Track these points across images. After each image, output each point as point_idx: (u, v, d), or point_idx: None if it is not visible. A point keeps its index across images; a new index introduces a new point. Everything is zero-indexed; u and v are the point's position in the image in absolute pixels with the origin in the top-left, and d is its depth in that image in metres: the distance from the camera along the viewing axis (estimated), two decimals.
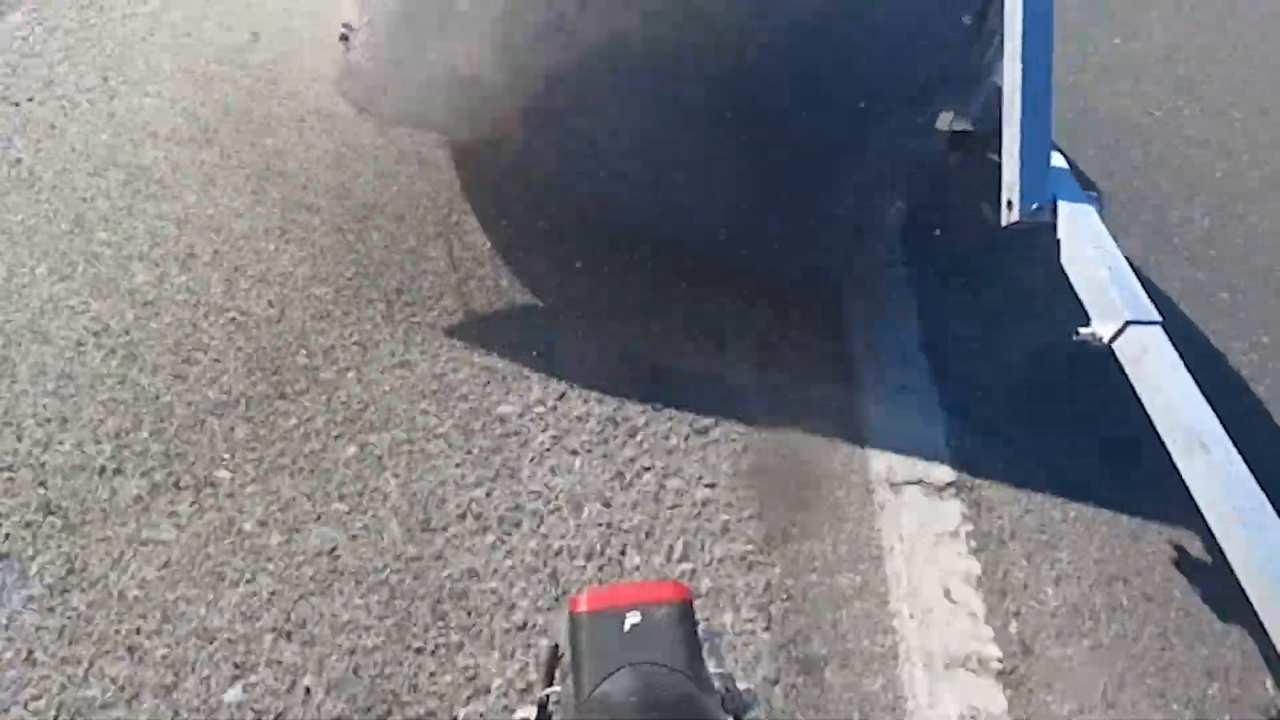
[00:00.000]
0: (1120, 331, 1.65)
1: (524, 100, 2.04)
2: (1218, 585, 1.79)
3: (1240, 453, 1.51)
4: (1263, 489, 1.48)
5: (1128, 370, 1.65)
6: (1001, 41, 1.82)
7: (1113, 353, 1.68)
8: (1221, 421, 1.54)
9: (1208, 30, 3.82)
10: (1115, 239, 1.77)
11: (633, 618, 0.93)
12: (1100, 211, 1.79)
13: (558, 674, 1.04)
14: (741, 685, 0.94)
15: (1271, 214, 2.92)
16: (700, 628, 0.95)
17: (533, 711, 1.00)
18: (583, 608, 0.94)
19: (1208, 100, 3.36)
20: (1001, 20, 1.81)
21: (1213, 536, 1.49)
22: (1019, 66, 1.75)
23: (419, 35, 2.09)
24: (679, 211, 2.14)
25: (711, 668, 0.93)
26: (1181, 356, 1.62)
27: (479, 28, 2.03)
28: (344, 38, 2.16)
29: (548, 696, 1.00)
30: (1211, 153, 3.12)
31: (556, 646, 1.06)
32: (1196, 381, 1.59)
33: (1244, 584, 1.43)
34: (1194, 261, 2.68)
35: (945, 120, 2.40)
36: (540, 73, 2.01)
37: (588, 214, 2.31)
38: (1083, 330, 1.71)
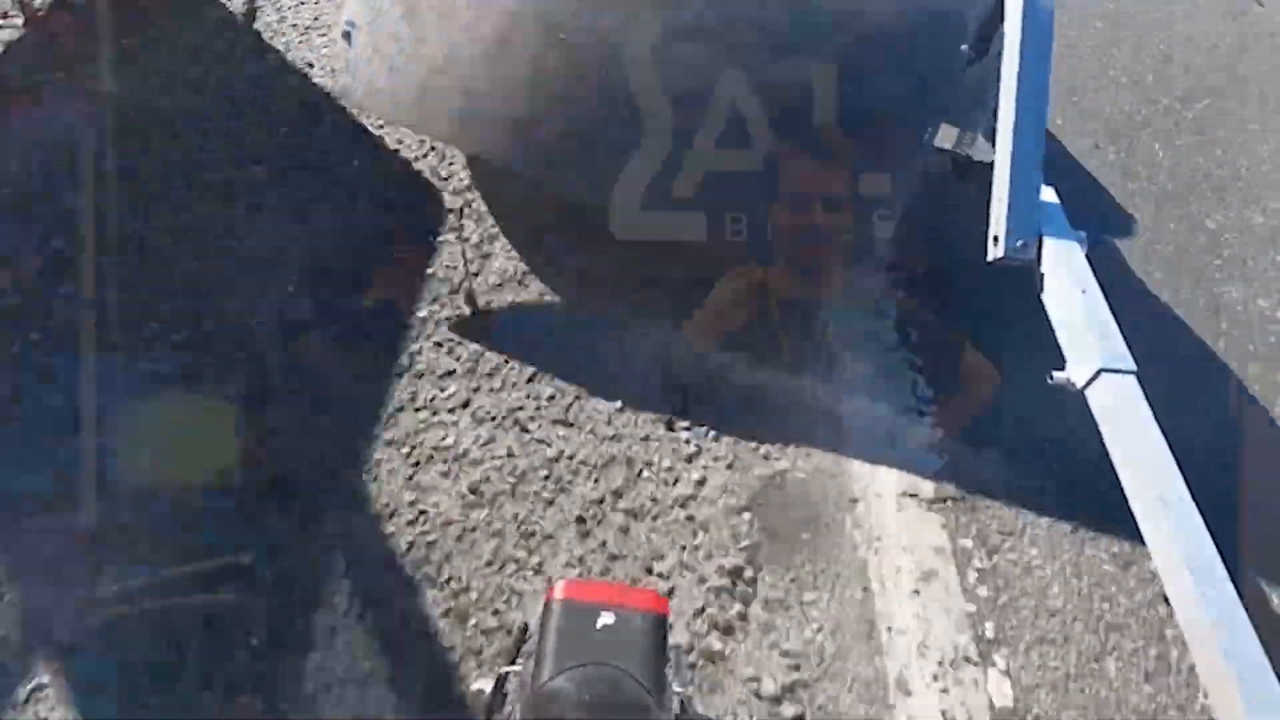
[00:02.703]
0: (1094, 379, 1.63)
1: (523, 110, 2.04)
2: None
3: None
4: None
5: (1097, 418, 1.62)
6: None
7: (1085, 399, 1.66)
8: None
9: None
10: None
11: (606, 618, 0.93)
12: (1086, 250, 1.75)
13: (522, 654, 1.05)
14: (699, 709, 0.95)
15: None
16: (669, 643, 0.96)
17: (489, 685, 1.02)
18: (559, 596, 0.95)
19: None
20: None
21: None
22: (1013, 101, 1.71)
23: (421, 37, 2.10)
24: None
25: (673, 685, 0.93)
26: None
27: (479, 33, 2.03)
28: (346, 35, 2.18)
29: (506, 674, 1.01)
30: None
31: (526, 626, 1.08)
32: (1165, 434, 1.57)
33: (1190, 643, 1.44)
34: None
35: (950, 137, 2.35)
36: (542, 83, 2.01)
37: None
38: (1057, 374, 1.69)
